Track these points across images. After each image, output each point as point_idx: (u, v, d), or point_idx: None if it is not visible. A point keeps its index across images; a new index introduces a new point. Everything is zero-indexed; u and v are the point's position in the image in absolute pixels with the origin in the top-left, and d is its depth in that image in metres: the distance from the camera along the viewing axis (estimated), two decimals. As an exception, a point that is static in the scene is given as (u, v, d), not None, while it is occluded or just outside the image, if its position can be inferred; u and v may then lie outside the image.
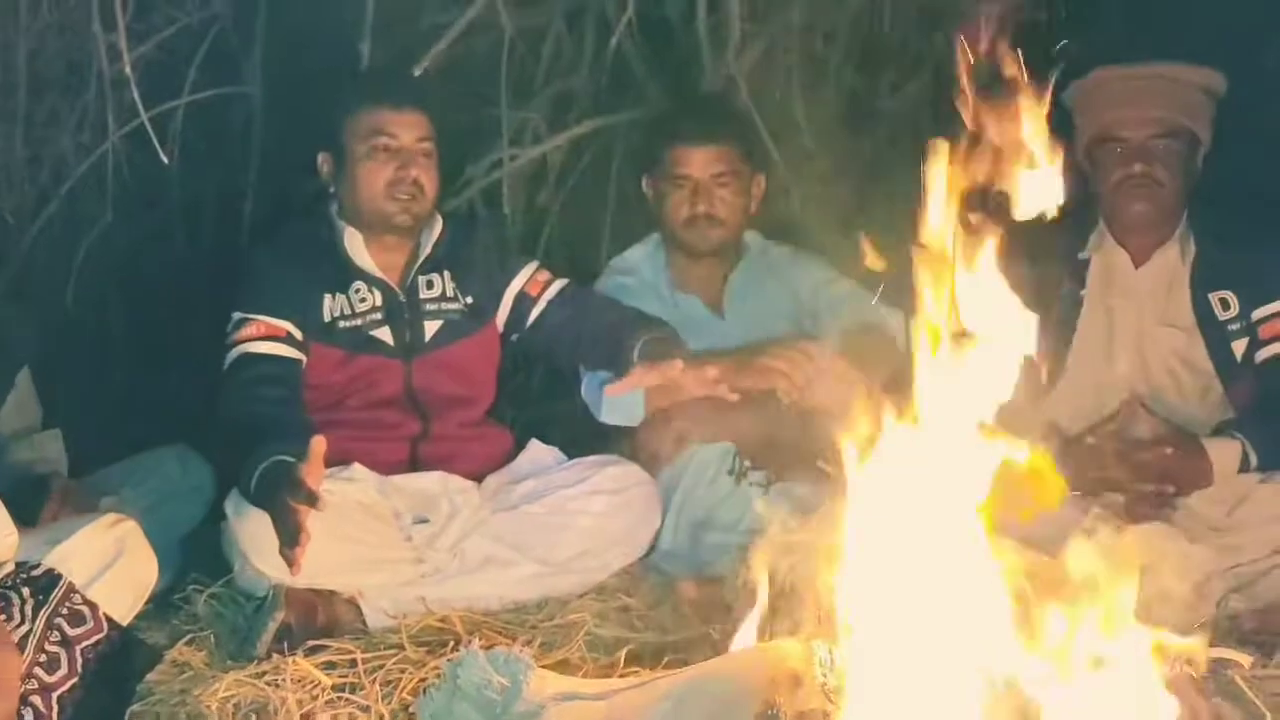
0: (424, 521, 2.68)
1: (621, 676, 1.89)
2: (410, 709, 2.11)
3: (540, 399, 3.10)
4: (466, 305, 2.81)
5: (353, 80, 2.98)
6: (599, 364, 2.83)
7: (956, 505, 1.68)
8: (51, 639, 2.10)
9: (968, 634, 1.64)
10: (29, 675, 2.06)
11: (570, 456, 2.83)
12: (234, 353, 2.65)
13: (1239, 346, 2.77)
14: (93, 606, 2.14)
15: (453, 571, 2.63)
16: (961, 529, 1.67)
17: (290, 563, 2.25)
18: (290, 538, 2.24)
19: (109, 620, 2.15)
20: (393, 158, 2.70)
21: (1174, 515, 2.68)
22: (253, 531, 2.47)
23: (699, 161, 2.95)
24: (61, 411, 2.77)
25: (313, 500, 2.20)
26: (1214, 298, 2.79)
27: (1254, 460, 2.63)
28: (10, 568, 2.13)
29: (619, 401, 2.79)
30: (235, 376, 2.64)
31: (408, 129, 2.71)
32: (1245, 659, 1.71)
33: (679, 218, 2.97)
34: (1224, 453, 2.64)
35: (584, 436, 2.91)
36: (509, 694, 1.61)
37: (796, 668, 1.71)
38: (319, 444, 2.28)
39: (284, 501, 2.25)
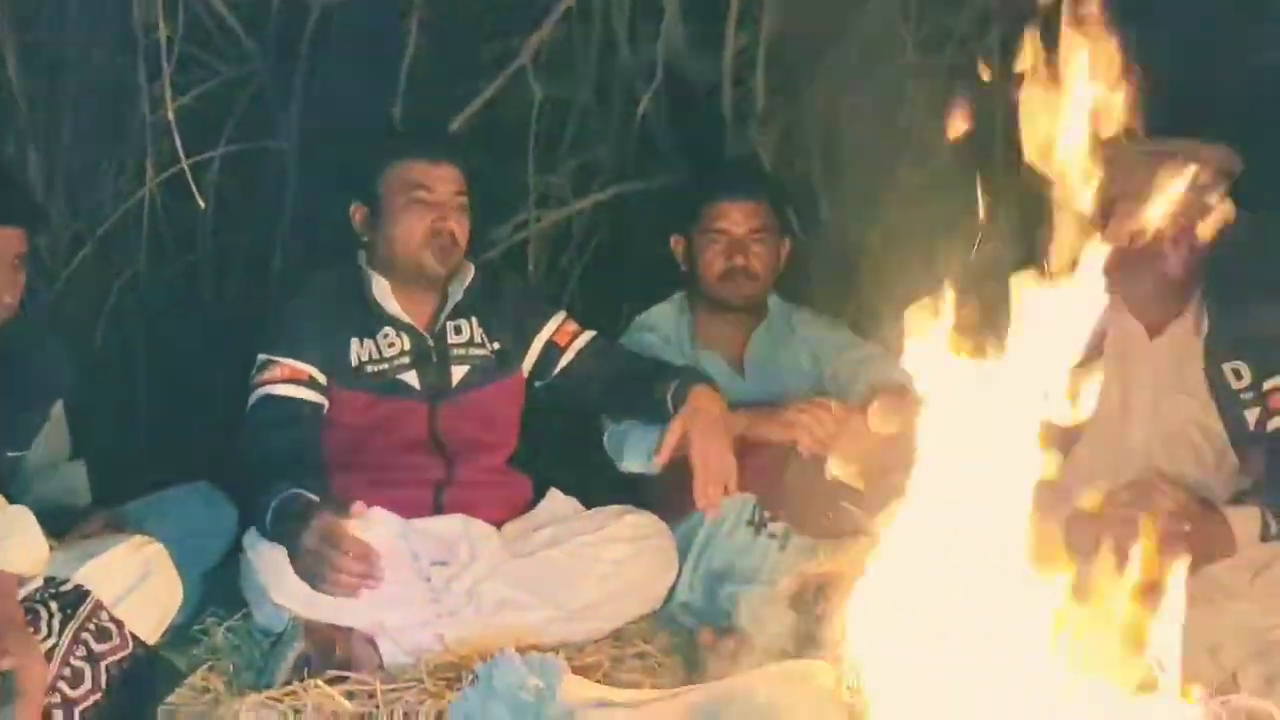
0: (443, 564, 2.69)
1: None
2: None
3: (560, 448, 3.12)
4: (494, 351, 2.85)
5: (389, 136, 3.06)
6: (627, 410, 2.87)
7: (996, 528, 1.69)
8: (77, 654, 2.11)
9: (1000, 657, 1.64)
10: (53, 689, 2.06)
11: (587, 507, 2.85)
12: (257, 394, 2.71)
13: (1251, 415, 2.80)
14: (119, 624, 2.16)
15: (468, 614, 2.63)
16: (1001, 554, 1.68)
17: (342, 585, 2.39)
18: (319, 570, 2.33)
19: (134, 638, 2.17)
20: (429, 210, 2.76)
21: (1193, 582, 2.69)
22: (271, 565, 2.50)
23: (737, 216, 3.01)
24: (87, 446, 2.79)
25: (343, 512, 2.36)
26: (1227, 368, 2.83)
27: (1275, 528, 2.65)
28: (39, 583, 2.14)
29: (639, 448, 2.82)
30: (255, 417, 2.69)
31: (443, 182, 2.78)
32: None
33: (714, 272, 3.02)
34: (1245, 521, 2.65)
35: (601, 486, 2.93)
36: (543, 697, 1.61)
37: (824, 687, 1.72)
38: (359, 507, 2.47)
39: (298, 532, 2.37)
